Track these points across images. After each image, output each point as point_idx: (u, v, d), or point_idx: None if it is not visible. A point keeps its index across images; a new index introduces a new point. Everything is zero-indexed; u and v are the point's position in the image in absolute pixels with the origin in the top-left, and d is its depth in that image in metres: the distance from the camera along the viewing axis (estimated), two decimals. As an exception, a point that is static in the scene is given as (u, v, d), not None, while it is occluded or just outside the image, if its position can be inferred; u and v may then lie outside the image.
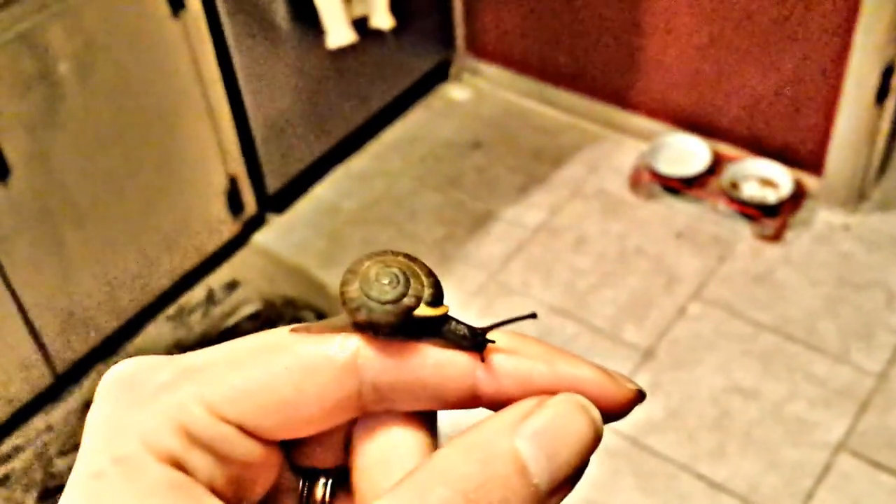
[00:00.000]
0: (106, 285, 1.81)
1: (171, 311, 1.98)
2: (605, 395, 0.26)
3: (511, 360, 0.26)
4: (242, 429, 0.26)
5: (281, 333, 0.27)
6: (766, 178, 2.12)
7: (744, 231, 2.09)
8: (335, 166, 2.31)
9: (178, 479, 0.24)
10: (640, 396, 0.27)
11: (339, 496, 0.28)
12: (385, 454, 0.27)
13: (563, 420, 0.24)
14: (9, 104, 1.54)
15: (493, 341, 0.26)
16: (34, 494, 1.69)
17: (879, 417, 1.75)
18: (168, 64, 1.77)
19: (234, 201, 2.03)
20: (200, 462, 0.25)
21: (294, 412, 0.26)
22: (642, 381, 1.82)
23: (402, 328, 0.26)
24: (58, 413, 1.81)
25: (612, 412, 0.26)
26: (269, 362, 0.26)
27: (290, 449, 0.28)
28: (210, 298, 2.01)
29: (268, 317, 1.97)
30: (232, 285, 2.04)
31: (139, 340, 1.93)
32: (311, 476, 0.29)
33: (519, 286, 2.02)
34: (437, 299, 0.27)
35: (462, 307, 1.97)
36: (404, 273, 0.27)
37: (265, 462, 0.27)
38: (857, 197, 2.11)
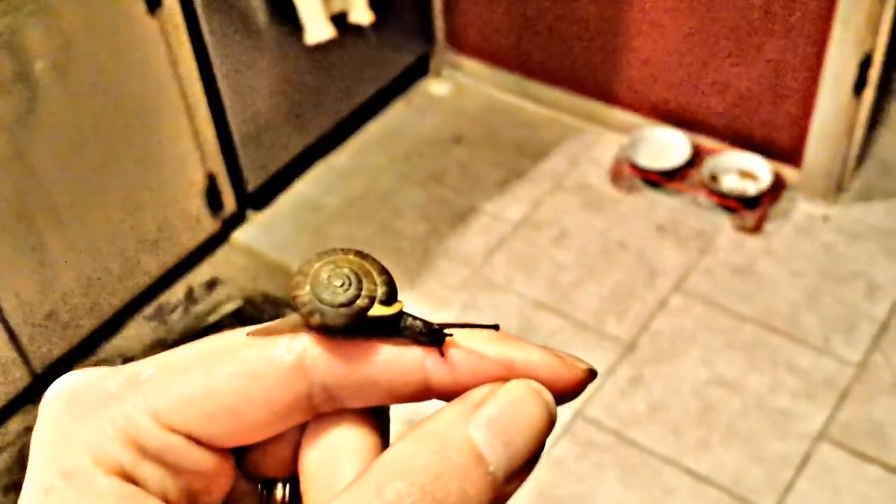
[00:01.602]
0: (85, 285, 1.80)
1: (150, 310, 1.97)
2: (557, 378, 0.26)
3: (460, 350, 0.26)
4: (191, 437, 0.25)
5: (233, 336, 0.26)
6: (745, 171, 2.12)
7: (724, 223, 2.10)
8: (316, 162, 2.30)
9: (129, 491, 0.24)
10: (590, 375, 0.27)
11: (299, 501, 0.28)
12: (332, 456, 0.27)
13: (517, 406, 0.24)
14: (-16, 104, 1.52)
15: (450, 335, 0.26)
16: (13, 496, 1.68)
17: (860, 407, 1.76)
18: (145, 62, 1.76)
19: (213, 199, 2.02)
20: (151, 473, 0.25)
21: (242, 418, 0.26)
22: (625, 374, 1.83)
23: (357, 329, 0.26)
24: (36, 414, 1.80)
25: (565, 393, 0.26)
26: (214, 369, 0.25)
27: (245, 458, 0.28)
28: (190, 297, 2.00)
29: (249, 315, 1.96)
30: (212, 283, 2.03)
31: (118, 340, 1.92)
32: (270, 483, 0.29)
33: (502, 281, 2.02)
34: (390, 297, 0.27)
35: (445, 302, 1.97)
36: (356, 273, 0.26)
37: (218, 471, 0.26)
38: (837, 188, 2.12)
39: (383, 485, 0.22)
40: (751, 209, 2.07)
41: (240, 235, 2.13)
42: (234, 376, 0.25)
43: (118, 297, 1.89)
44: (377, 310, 0.26)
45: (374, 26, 2.08)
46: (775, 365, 1.84)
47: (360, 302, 0.26)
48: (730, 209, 2.10)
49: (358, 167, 2.31)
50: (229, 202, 2.07)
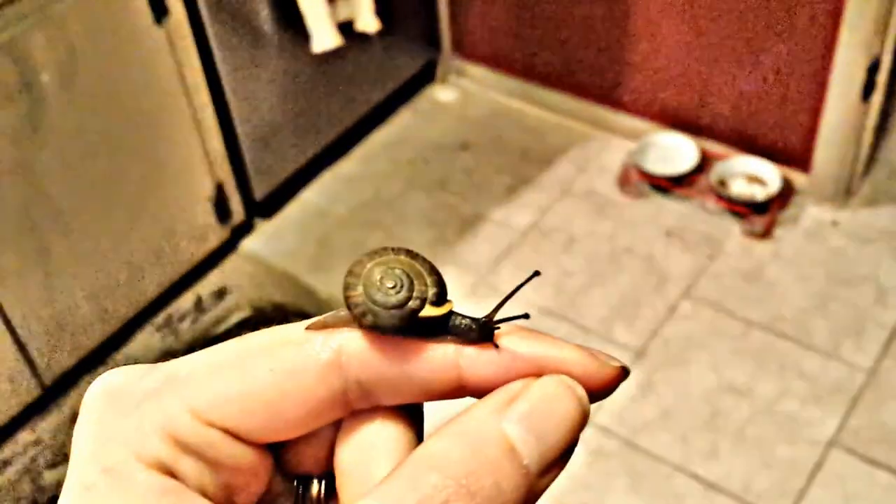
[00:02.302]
0: (93, 295, 1.80)
1: (159, 319, 1.97)
2: (590, 375, 0.26)
3: (493, 349, 0.26)
4: (229, 433, 0.26)
5: (270, 333, 0.27)
6: (754, 176, 2.12)
7: (733, 229, 2.09)
8: (323, 171, 2.30)
9: (169, 485, 0.24)
10: (623, 373, 0.27)
11: (335, 497, 0.28)
12: (367, 452, 0.27)
13: (550, 401, 0.25)
14: (-9, 115, 1.52)
15: (499, 327, 0.27)
16: (24, 507, 1.68)
17: (871, 413, 1.75)
18: (152, 71, 1.76)
19: (221, 208, 2.02)
20: (190, 468, 0.25)
21: (279, 414, 0.26)
22: (634, 381, 1.82)
23: (408, 329, 0.26)
24: (46, 426, 1.80)
25: (598, 391, 0.26)
26: (252, 366, 0.26)
27: (282, 455, 0.28)
28: (199, 306, 2.00)
29: (257, 323, 1.96)
30: (221, 293, 2.03)
31: (127, 350, 1.92)
32: (306, 480, 0.29)
33: (509, 288, 2.00)
34: (441, 297, 0.27)
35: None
36: (408, 274, 0.27)
37: (255, 466, 0.27)
38: (845, 193, 2.11)
39: (418, 478, 0.23)
40: (759, 214, 2.07)
41: (248, 244, 2.14)
42: (272, 373, 0.26)
43: (127, 307, 1.89)
44: (428, 310, 0.26)
45: (381, 34, 2.08)
46: (785, 370, 1.83)
47: (412, 304, 0.26)
48: (738, 214, 2.09)
49: (365, 174, 2.31)
50: (237, 211, 2.07)
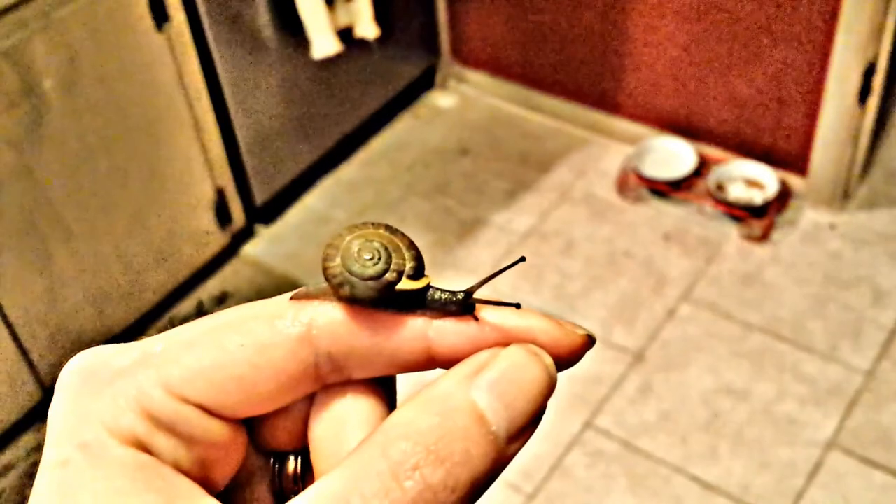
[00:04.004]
0: (94, 300, 1.81)
1: (161, 324, 1.98)
2: (556, 343, 0.27)
3: (460, 319, 0.27)
4: (203, 408, 0.26)
5: (241, 309, 0.27)
6: (751, 179, 2.13)
7: (731, 232, 2.10)
8: (323, 176, 2.31)
9: (144, 461, 0.25)
10: (590, 341, 0.28)
11: (311, 473, 0.28)
12: (339, 425, 0.27)
13: (517, 369, 0.25)
14: (-6, 121, 1.54)
15: (478, 301, 0.27)
16: (27, 511, 1.69)
17: (869, 414, 1.75)
18: (153, 77, 1.77)
19: (222, 213, 2.03)
20: (164, 443, 0.25)
21: (251, 388, 0.26)
22: (633, 383, 1.83)
23: (385, 301, 0.27)
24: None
25: (565, 359, 0.27)
26: (223, 341, 0.26)
27: (257, 431, 0.29)
28: (200, 311, 2.01)
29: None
30: (222, 297, 2.04)
31: (129, 354, 1.93)
32: (282, 457, 0.29)
33: (509, 291, 2.02)
34: (418, 271, 0.27)
35: (452, 314, 1.97)
36: (386, 247, 0.27)
37: (230, 442, 0.27)
38: (843, 196, 2.12)
39: (388, 446, 0.23)
40: (757, 218, 2.08)
41: (249, 249, 2.15)
42: (243, 348, 0.26)
43: (128, 312, 1.90)
44: (405, 284, 0.27)
45: (380, 40, 2.10)
46: (782, 372, 1.84)
47: (388, 276, 0.26)
48: (736, 218, 2.10)
49: (365, 180, 2.32)
50: (238, 216, 2.08)
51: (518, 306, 0.28)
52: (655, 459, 1.72)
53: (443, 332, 0.27)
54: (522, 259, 0.29)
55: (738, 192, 2.11)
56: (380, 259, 0.27)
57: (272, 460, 0.29)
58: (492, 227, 2.17)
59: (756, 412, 1.78)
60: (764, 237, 2.07)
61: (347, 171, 2.34)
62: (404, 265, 0.27)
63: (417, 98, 2.51)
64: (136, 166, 1.82)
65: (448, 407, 0.24)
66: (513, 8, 2.32)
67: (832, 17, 1.89)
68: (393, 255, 0.27)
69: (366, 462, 0.23)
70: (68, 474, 0.24)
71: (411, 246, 0.27)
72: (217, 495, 0.26)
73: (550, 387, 0.25)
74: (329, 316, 0.27)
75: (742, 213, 2.08)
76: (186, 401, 0.26)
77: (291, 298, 0.27)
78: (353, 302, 0.27)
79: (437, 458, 0.23)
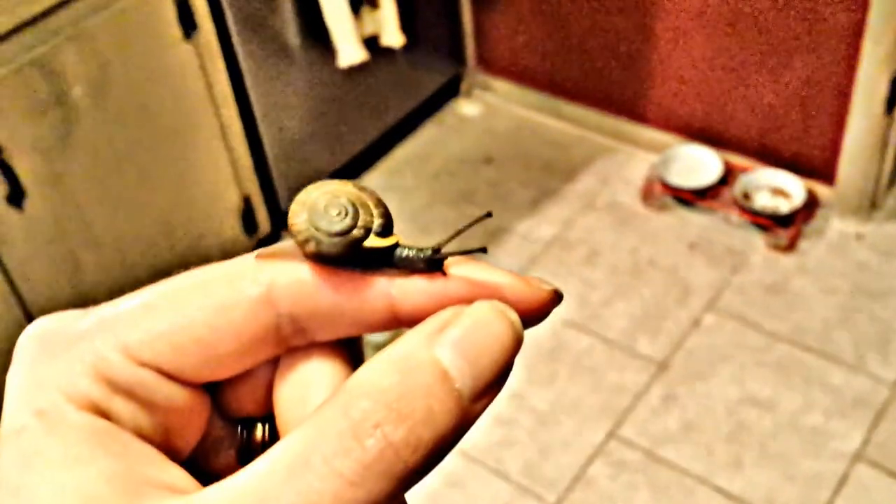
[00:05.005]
0: (122, 305, 1.82)
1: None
2: (521, 299, 0.26)
3: (423, 276, 0.26)
4: (162, 372, 0.26)
5: (201, 272, 0.26)
6: (778, 188, 2.11)
7: (757, 241, 2.09)
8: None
9: (102, 426, 0.24)
10: (556, 297, 0.27)
11: (279, 439, 0.28)
12: (304, 389, 0.27)
13: (482, 326, 0.24)
14: (24, 128, 1.56)
15: (446, 256, 0.26)
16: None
17: (897, 427, 1.74)
18: (181, 85, 1.79)
19: (248, 220, 2.04)
20: (123, 408, 0.25)
21: (211, 351, 0.26)
22: (657, 393, 1.82)
23: (352, 259, 0.26)
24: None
25: (530, 315, 0.26)
26: (183, 303, 0.26)
27: (222, 398, 0.28)
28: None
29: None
30: (247, 303, 2.05)
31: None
32: (249, 424, 0.29)
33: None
34: (386, 229, 0.27)
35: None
36: (353, 204, 0.26)
37: (191, 407, 0.26)
38: (870, 206, 2.11)
39: (350, 404, 0.23)
40: (784, 227, 2.06)
41: (273, 256, 2.15)
42: (202, 309, 0.26)
43: (154, 317, 1.91)
44: (373, 241, 0.26)
45: (406, 49, 2.10)
46: (809, 384, 1.82)
47: (355, 232, 0.26)
48: (762, 227, 2.09)
49: (389, 187, 2.32)
50: (264, 223, 2.09)
51: (484, 250, 0.27)
52: (679, 470, 1.71)
53: (405, 290, 0.26)
54: (489, 215, 0.28)
55: (764, 201, 2.10)
56: (347, 215, 0.26)
57: (240, 428, 0.29)
58: (516, 235, 2.17)
59: (781, 423, 1.76)
60: (790, 247, 2.06)
61: (372, 178, 2.34)
62: (372, 222, 0.26)
63: (442, 106, 2.51)
64: (164, 173, 1.84)
65: (410, 365, 0.23)
66: (538, 17, 2.32)
67: (859, 26, 1.88)
68: (361, 211, 0.26)
69: (326, 421, 0.23)
70: (24, 442, 0.23)
71: (380, 203, 0.27)
72: (183, 463, 0.26)
73: (516, 343, 0.25)
74: (291, 275, 0.26)
75: (768, 222, 2.07)
76: (145, 364, 0.25)
77: (256, 258, 0.27)
78: (319, 259, 0.26)
79: (399, 416, 0.22)
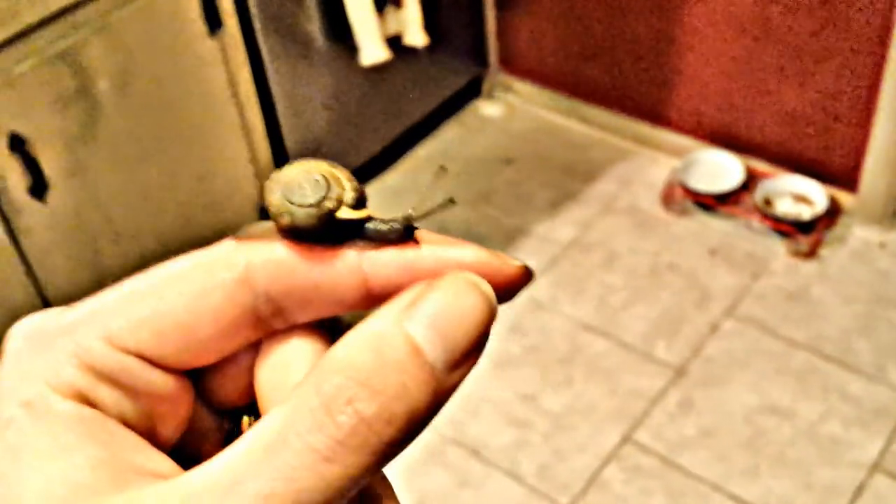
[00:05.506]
0: (141, 299, 1.83)
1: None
2: (489, 274, 0.26)
3: (393, 250, 0.27)
4: (144, 358, 0.26)
5: (181, 260, 0.27)
6: (800, 195, 2.10)
7: (778, 248, 2.08)
8: (369, 182, 2.32)
9: (88, 414, 0.25)
10: (526, 273, 0.27)
11: None
12: (284, 371, 0.27)
13: (454, 298, 0.24)
14: (48, 120, 1.57)
15: (417, 227, 0.27)
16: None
17: (916, 438, 1.72)
18: (205, 82, 1.80)
19: (266, 216, 2.05)
20: (108, 396, 0.25)
21: (191, 335, 0.26)
22: (674, 398, 1.81)
23: (325, 232, 0.27)
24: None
25: (499, 290, 0.26)
26: (163, 290, 0.26)
27: (206, 388, 0.28)
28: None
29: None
30: (265, 300, 2.06)
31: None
32: (236, 417, 0.29)
33: (549, 302, 2.02)
34: (359, 202, 0.27)
35: (493, 323, 1.97)
36: (325, 178, 0.27)
37: (174, 394, 0.27)
38: (893, 214, 2.09)
39: (322, 381, 0.23)
40: (805, 234, 2.05)
41: (292, 253, 2.16)
42: (182, 295, 0.26)
43: (173, 311, 1.92)
44: (345, 213, 0.27)
45: (428, 49, 2.11)
46: (828, 392, 1.81)
47: (328, 203, 0.26)
48: (784, 234, 2.08)
49: (410, 186, 2.33)
50: (283, 220, 2.10)
51: (452, 201, 0.28)
52: (694, 476, 1.70)
53: (376, 262, 0.26)
54: (452, 200, 0.29)
55: (785, 208, 2.09)
56: (319, 188, 0.27)
57: (226, 419, 0.29)
58: (535, 236, 2.16)
59: (799, 431, 1.75)
60: (811, 254, 2.05)
61: (392, 177, 2.35)
62: (344, 194, 0.27)
63: (464, 107, 2.51)
64: (185, 168, 1.84)
65: (382, 341, 0.23)
66: (561, 19, 2.32)
67: (885, 31, 1.86)
68: (332, 184, 0.27)
69: (301, 399, 0.23)
70: (12, 434, 0.24)
71: (352, 178, 0.28)
72: (172, 455, 0.26)
73: (490, 314, 0.25)
74: (265, 255, 0.27)
75: (789, 228, 2.06)
76: (127, 351, 0.26)
77: (235, 239, 0.27)
78: (294, 232, 0.27)
79: (372, 392, 0.23)
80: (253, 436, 0.23)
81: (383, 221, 0.27)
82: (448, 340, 0.24)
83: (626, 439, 1.75)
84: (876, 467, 1.68)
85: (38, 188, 1.58)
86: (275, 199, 0.27)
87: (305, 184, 0.27)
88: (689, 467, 1.71)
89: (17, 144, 1.53)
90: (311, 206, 0.26)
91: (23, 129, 1.53)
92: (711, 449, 1.74)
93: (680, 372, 1.86)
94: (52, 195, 1.61)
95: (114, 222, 1.74)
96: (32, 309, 0.27)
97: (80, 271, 1.72)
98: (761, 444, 1.74)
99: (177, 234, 1.87)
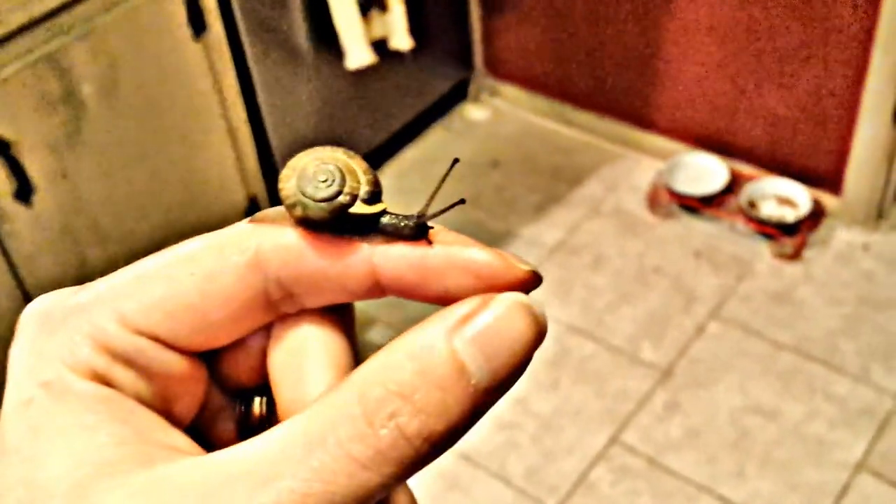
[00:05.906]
0: (127, 303, 1.83)
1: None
2: (498, 276, 0.26)
3: (403, 246, 0.27)
4: (158, 340, 0.26)
5: (193, 242, 0.27)
6: (784, 197, 2.11)
7: (762, 250, 2.09)
8: (354, 186, 2.32)
9: (106, 393, 0.25)
10: (535, 277, 0.27)
11: (276, 413, 0.28)
12: (297, 355, 0.27)
13: (504, 321, 0.24)
14: (33, 124, 1.56)
15: (433, 227, 0.27)
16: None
17: (900, 438, 1.73)
18: (190, 85, 1.79)
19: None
20: (124, 376, 0.26)
21: (203, 318, 0.26)
22: (661, 400, 1.82)
23: (338, 225, 0.26)
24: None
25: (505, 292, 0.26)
26: (174, 272, 0.27)
27: (219, 369, 0.29)
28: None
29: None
30: (251, 304, 2.05)
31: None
32: (247, 398, 0.29)
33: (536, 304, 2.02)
34: (374, 197, 0.27)
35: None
36: (340, 170, 0.27)
37: (188, 375, 0.27)
38: (877, 216, 2.11)
39: (365, 391, 0.23)
40: (789, 236, 2.06)
41: (279, 256, 2.16)
42: (193, 277, 0.26)
43: (159, 316, 1.92)
44: (359, 207, 0.27)
45: (414, 52, 2.11)
46: (813, 393, 1.82)
47: (342, 198, 0.26)
48: (768, 236, 2.09)
49: (396, 191, 2.33)
50: (269, 224, 2.09)
51: (463, 201, 0.28)
52: (682, 477, 1.71)
53: (386, 256, 0.27)
54: (456, 160, 0.29)
55: (770, 210, 2.10)
56: (334, 181, 0.26)
57: (238, 401, 0.29)
58: (521, 239, 2.17)
59: (785, 432, 1.76)
60: (796, 256, 2.06)
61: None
62: (359, 188, 0.27)
63: (450, 110, 2.52)
64: (171, 171, 1.84)
65: (429, 356, 0.23)
66: (547, 22, 2.33)
67: (868, 35, 1.88)
68: (348, 177, 0.27)
69: (342, 405, 0.23)
70: (33, 413, 0.24)
71: (368, 171, 0.27)
72: (183, 433, 0.27)
73: (538, 339, 0.25)
74: (277, 240, 0.27)
75: (774, 231, 2.07)
76: (141, 332, 0.26)
77: (249, 221, 0.27)
78: (307, 224, 0.27)
79: (414, 409, 0.23)
80: (289, 430, 0.23)
81: (397, 217, 0.27)
82: (493, 363, 0.24)
83: (613, 441, 1.76)
84: (861, 467, 1.69)
85: (24, 192, 1.58)
86: (289, 190, 0.27)
87: (320, 175, 0.26)
88: (676, 468, 1.72)
89: (2, 148, 1.52)
90: (324, 200, 0.26)
91: (8, 134, 1.52)
92: (698, 450, 1.74)
93: (666, 373, 1.87)
94: (38, 199, 1.60)
95: (99, 226, 1.73)
96: (17, 312, 0.27)
97: (67, 274, 1.71)
98: (747, 445, 1.75)
99: (163, 237, 1.87)
